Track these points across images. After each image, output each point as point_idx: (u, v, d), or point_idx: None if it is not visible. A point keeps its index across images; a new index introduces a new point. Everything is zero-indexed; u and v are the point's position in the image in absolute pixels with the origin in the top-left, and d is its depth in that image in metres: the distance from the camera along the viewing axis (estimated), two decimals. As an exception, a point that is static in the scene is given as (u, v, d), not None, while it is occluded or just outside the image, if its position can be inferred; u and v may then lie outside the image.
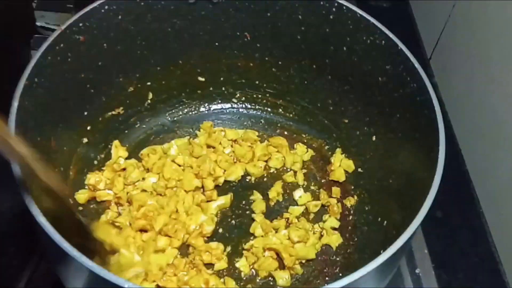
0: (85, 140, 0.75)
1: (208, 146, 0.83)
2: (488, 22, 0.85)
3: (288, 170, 0.82)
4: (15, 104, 0.58)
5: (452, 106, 0.96)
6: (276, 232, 0.75)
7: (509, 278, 0.78)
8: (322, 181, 0.82)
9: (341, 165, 0.82)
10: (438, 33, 1.01)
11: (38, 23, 0.96)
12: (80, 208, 0.75)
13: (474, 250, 0.81)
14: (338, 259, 0.74)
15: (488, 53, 0.85)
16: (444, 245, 0.81)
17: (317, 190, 0.80)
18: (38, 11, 0.97)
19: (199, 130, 0.85)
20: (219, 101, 0.88)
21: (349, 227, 0.77)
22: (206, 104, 0.88)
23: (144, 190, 0.77)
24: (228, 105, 0.88)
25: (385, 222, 0.72)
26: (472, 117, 0.90)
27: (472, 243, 0.82)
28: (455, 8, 0.95)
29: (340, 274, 0.72)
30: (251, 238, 0.75)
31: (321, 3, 0.73)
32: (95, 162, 0.78)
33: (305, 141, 0.86)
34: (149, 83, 0.81)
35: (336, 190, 0.80)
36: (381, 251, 0.52)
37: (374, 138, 0.77)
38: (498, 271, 0.79)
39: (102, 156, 0.79)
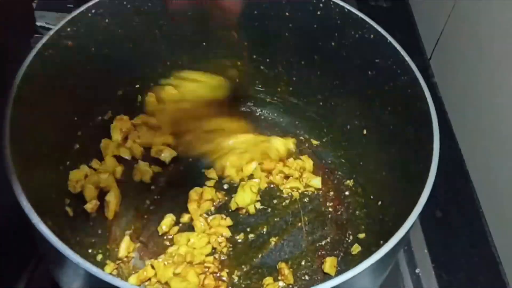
0: (76, 146, 0.75)
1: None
2: (488, 22, 0.85)
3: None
4: (8, 112, 0.57)
5: (452, 106, 0.95)
6: None
7: (509, 278, 0.77)
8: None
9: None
10: (438, 33, 1.01)
11: (38, 23, 0.95)
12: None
13: (475, 250, 0.81)
14: (335, 252, 0.73)
15: (489, 53, 0.85)
16: (444, 245, 0.81)
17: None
18: (38, 11, 0.97)
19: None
20: (208, 101, 0.87)
21: (344, 221, 0.76)
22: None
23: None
24: (217, 105, 0.88)
25: (381, 216, 0.71)
26: (473, 117, 0.90)
27: (472, 243, 0.81)
28: (455, 8, 0.95)
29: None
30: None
31: (308, -1, 0.73)
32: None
33: (296, 137, 0.85)
34: (137, 86, 0.81)
35: None
36: (380, 243, 0.51)
37: (365, 131, 0.77)
38: (498, 271, 0.78)
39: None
